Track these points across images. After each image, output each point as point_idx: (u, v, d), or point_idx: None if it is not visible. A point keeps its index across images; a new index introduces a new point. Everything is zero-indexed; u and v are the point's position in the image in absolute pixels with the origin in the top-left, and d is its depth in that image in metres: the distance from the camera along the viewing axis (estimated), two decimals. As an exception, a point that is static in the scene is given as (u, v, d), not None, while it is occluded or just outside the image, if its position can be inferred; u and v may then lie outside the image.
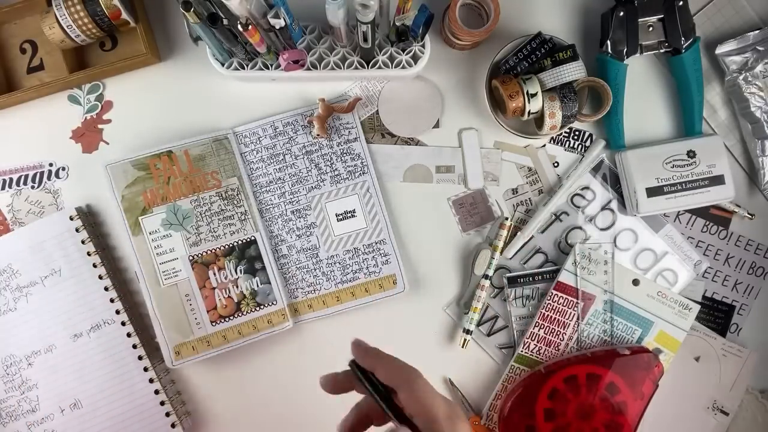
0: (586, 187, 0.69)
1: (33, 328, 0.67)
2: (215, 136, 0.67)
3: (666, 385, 0.65)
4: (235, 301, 0.67)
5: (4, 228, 0.69)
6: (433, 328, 0.69)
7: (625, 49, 0.65)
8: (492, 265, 0.67)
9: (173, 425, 0.67)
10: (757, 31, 0.67)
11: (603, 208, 0.69)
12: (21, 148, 0.70)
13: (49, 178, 0.70)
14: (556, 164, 0.69)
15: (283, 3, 0.55)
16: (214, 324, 0.67)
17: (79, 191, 0.70)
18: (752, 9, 0.68)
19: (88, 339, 0.67)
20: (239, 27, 0.53)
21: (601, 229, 0.69)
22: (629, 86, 0.66)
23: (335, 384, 0.44)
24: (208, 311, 0.67)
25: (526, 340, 0.67)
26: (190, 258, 0.67)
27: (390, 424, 0.40)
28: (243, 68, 0.65)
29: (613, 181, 0.69)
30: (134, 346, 0.67)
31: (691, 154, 0.65)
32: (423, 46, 0.65)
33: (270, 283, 0.67)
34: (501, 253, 0.68)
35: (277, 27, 0.56)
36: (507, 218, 0.68)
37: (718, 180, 0.65)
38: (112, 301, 0.67)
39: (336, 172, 0.68)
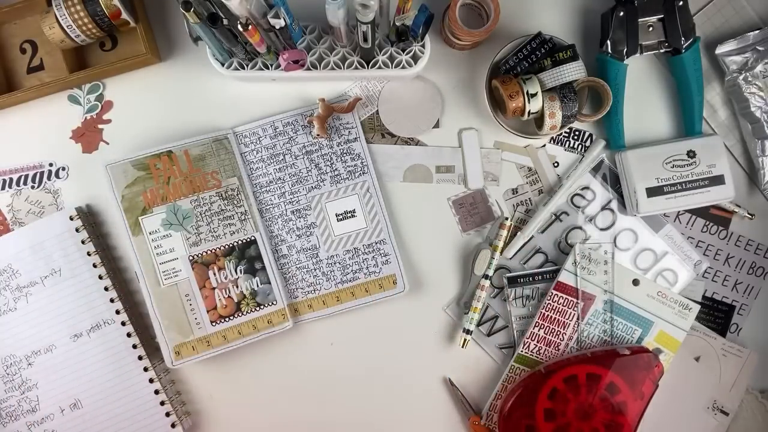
0: (586, 187, 0.69)
1: (33, 328, 0.67)
2: (215, 136, 0.67)
3: (666, 385, 0.65)
4: (235, 301, 0.67)
5: (4, 228, 0.69)
6: (433, 328, 0.69)
7: (625, 49, 0.65)
8: (492, 265, 0.67)
9: (173, 425, 0.67)
10: (757, 31, 0.67)
11: (603, 208, 0.69)
12: (21, 148, 0.70)
13: (49, 178, 0.70)
14: (556, 164, 0.69)
15: (283, 3, 0.55)
16: (214, 324, 0.67)
17: (79, 191, 0.70)
18: (752, 9, 0.68)
19: (88, 339, 0.67)
20: (239, 27, 0.53)
21: (601, 229, 0.69)
22: (629, 86, 0.66)
23: None
24: (208, 311, 0.67)
25: (526, 340, 0.67)
26: (190, 258, 0.67)
27: None
28: (243, 68, 0.65)
29: (613, 181, 0.69)
30: (134, 346, 0.67)
31: (691, 154, 0.65)
32: (423, 46, 0.65)
33: (270, 283, 0.67)
34: (501, 253, 0.68)
35: (277, 27, 0.56)
36: (507, 218, 0.68)
37: (718, 180, 0.65)
38: (112, 301, 0.67)
39: (336, 172, 0.68)
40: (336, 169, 0.68)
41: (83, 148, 0.70)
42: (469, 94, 0.69)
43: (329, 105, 0.66)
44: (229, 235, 0.67)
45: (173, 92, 0.70)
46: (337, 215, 0.68)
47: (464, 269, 0.69)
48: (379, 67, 0.65)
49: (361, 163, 0.68)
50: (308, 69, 0.65)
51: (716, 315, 0.69)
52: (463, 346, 0.67)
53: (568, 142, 0.69)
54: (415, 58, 0.65)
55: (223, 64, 0.65)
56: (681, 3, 0.64)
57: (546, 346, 0.67)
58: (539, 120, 0.65)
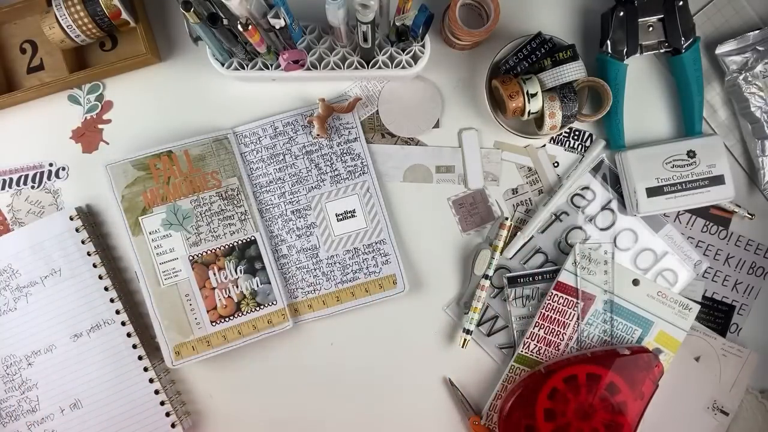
0: (586, 187, 0.69)
1: (33, 328, 0.67)
2: (215, 136, 0.67)
3: (666, 385, 0.65)
4: (235, 301, 0.67)
5: (4, 228, 0.69)
6: (433, 328, 0.69)
7: (625, 49, 0.65)
8: (492, 265, 0.67)
9: (173, 425, 0.67)
10: (757, 31, 0.67)
11: (603, 208, 0.69)
12: (21, 148, 0.70)
13: (49, 178, 0.70)
14: (556, 164, 0.69)
15: (283, 3, 0.55)
16: (214, 324, 0.67)
17: (79, 191, 0.70)
18: (752, 9, 0.68)
19: (88, 339, 0.67)
20: (239, 27, 0.53)
21: (601, 229, 0.69)
22: (629, 86, 0.66)
23: None
24: (208, 311, 0.67)
25: (526, 340, 0.67)
26: (190, 258, 0.67)
27: None
28: (243, 68, 0.65)
29: (613, 181, 0.69)
30: (134, 346, 0.67)
31: (691, 154, 0.65)
32: (423, 46, 0.65)
33: (270, 283, 0.67)
34: (501, 253, 0.68)
35: (277, 27, 0.56)
36: (507, 218, 0.68)
37: (718, 180, 0.65)
38: (112, 301, 0.67)
39: (336, 172, 0.68)
40: (336, 169, 0.68)
41: (83, 148, 0.70)
42: (469, 94, 0.69)
43: (329, 105, 0.66)
44: (229, 235, 0.67)
45: (173, 92, 0.70)
46: (337, 215, 0.68)
47: (464, 269, 0.69)
48: (379, 67, 0.65)
49: (361, 163, 0.68)
50: (308, 69, 0.65)
51: (716, 315, 0.69)
52: (463, 346, 0.67)
53: (568, 142, 0.69)
54: (415, 58, 0.65)
55: (223, 64, 0.65)
56: (681, 3, 0.64)
57: (546, 346, 0.67)
58: (539, 120, 0.65)
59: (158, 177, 0.67)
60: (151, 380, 0.67)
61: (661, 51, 0.66)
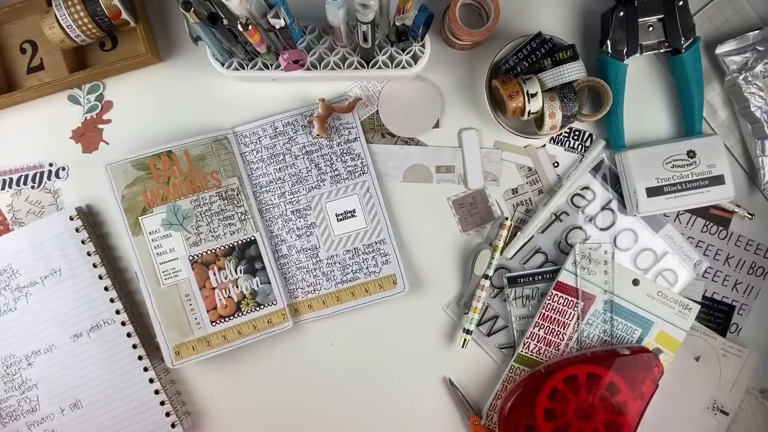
0: (586, 187, 0.69)
1: (33, 328, 0.67)
2: (215, 136, 0.67)
3: (666, 385, 0.65)
4: (235, 301, 0.67)
5: (4, 228, 0.69)
6: (433, 328, 0.69)
7: (625, 49, 0.65)
8: (492, 265, 0.67)
9: (173, 425, 0.67)
10: (757, 31, 0.67)
11: (603, 208, 0.69)
12: (21, 148, 0.70)
13: (49, 178, 0.70)
14: (556, 164, 0.69)
15: (283, 3, 0.55)
16: (214, 324, 0.67)
17: (79, 191, 0.70)
18: (752, 9, 0.68)
19: (88, 339, 0.67)
20: (239, 27, 0.53)
21: (601, 229, 0.69)
22: (629, 86, 0.66)
23: None
24: (208, 311, 0.67)
25: (526, 340, 0.67)
26: (190, 258, 0.67)
27: None
28: (243, 68, 0.65)
29: (613, 181, 0.69)
30: (134, 346, 0.67)
31: (691, 154, 0.65)
32: (423, 46, 0.65)
33: (270, 283, 0.67)
34: (501, 253, 0.68)
35: (277, 27, 0.56)
36: (507, 218, 0.68)
37: (718, 180, 0.65)
38: (112, 301, 0.67)
39: (336, 172, 0.68)
40: (336, 169, 0.68)
41: (83, 148, 0.70)
42: (469, 94, 0.69)
43: (329, 105, 0.66)
44: (229, 235, 0.67)
45: (173, 92, 0.70)
46: (337, 215, 0.68)
47: (464, 269, 0.69)
48: (379, 67, 0.65)
49: (361, 163, 0.68)
50: (308, 69, 0.65)
51: (716, 315, 0.69)
52: (463, 346, 0.67)
53: (568, 142, 0.69)
54: (415, 58, 0.65)
55: (223, 64, 0.65)
56: (681, 3, 0.64)
57: (546, 346, 0.67)
58: (539, 120, 0.65)
59: (158, 177, 0.67)
60: (151, 380, 0.67)
61: (661, 51, 0.66)
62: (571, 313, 0.67)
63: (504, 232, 0.67)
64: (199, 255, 0.67)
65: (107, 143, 0.70)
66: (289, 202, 0.68)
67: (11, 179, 0.70)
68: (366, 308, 0.68)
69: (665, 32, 0.66)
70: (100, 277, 0.67)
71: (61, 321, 0.67)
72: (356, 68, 0.65)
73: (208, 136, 0.67)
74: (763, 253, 0.69)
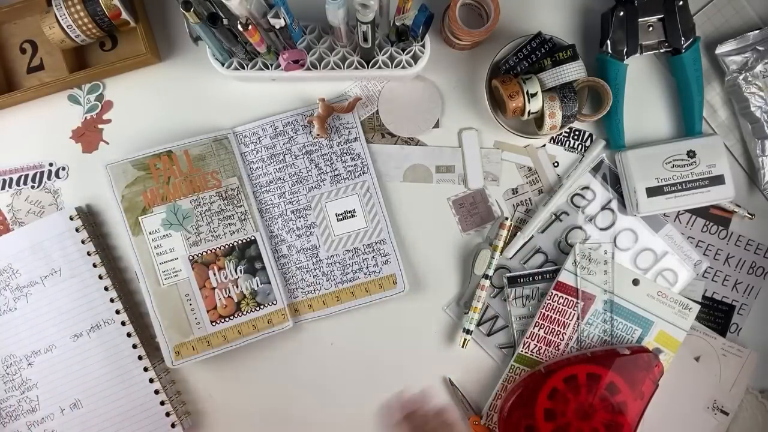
0: (586, 187, 0.69)
1: (33, 328, 0.67)
2: (215, 136, 0.67)
3: (666, 385, 0.65)
4: (235, 301, 0.67)
5: (4, 228, 0.69)
6: (433, 328, 0.69)
7: (625, 49, 0.65)
8: (492, 265, 0.67)
9: (173, 425, 0.67)
10: (757, 31, 0.67)
11: (603, 208, 0.69)
12: (21, 148, 0.70)
13: (49, 178, 0.70)
14: (556, 164, 0.69)
15: (283, 3, 0.55)
16: (214, 324, 0.67)
17: (79, 191, 0.70)
18: (752, 9, 0.68)
19: (88, 339, 0.67)
20: (239, 27, 0.53)
21: (601, 229, 0.69)
22: (629, 86, 0.66)
23: None
24: (208, 311, 0.67)
25: (526, 340, 0.67)
26: (190, 258, 0.67)
27: None
28: (243, 68, 0.65)
29: (613, 181, 0.69)
30: (134, 346, 0.67)
31: (691, 154, 0.65)
32: (423, 46, 0.65)
33: (270, 283, 0.67)
34: (501, 253, 0.68)
35: (277, 27, 0.56)
36: (507, 218, 0.68)
37: (718, 180, 0.65)
38: (112, 301, 0.67)
39: (336, 172, 0.68)
40: (336, 169, 0.68)
41: (83, 148, 0.70)
42: (469, 94, 0.69)
43: (329, 105, 0.66)
44: (229, 235, 0.67)
45: (173, 92, 0.70)
46: (337, 215, 0.68)
47: (464, 269, 0.69)
48: (379, 67, 0.65)
49: (361, 163, 0.68)
50: (308, 69, 0.65)
51: (716, 315, 0.69)
52: (463, 346, 0.67)
53: (568, 142, 0.69)
54: (415, 58, 0.65)
55: (223, 64, 0.65)
56: (681, 3, 0.64)
57: (546, 346, 0.67)
58: (539, 120, 0.65)
59: (158, 177, 0.67)
60: (151, 380, 0.67)
61: (661, 51, 0.66)
62: (571, 313, 0.67)
63: (504, 232, 0.67)
64: (199, 255, 0.67)
65: (107, 143, 0.70)
66: (289, 202, 0.68)
67: (11, 179, 0.70)
68: (366, 308, 0.68)
69: (665, 32, 0.66)
70: (100, 277, 0.67)
71: (61, 321, 0.67)
72: (356, 68, 0.65)
73: (208, 136, 0.67)
74: (763, 253, 0.69)
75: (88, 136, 0.70)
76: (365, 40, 0.60)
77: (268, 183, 0.68)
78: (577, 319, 0.67)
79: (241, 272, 0.67)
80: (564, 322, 0.67)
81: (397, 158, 0.69)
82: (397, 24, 0.60)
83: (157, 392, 0.67)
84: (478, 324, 0.69)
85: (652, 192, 0.65)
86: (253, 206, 0.68)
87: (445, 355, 0.69)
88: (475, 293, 0.68)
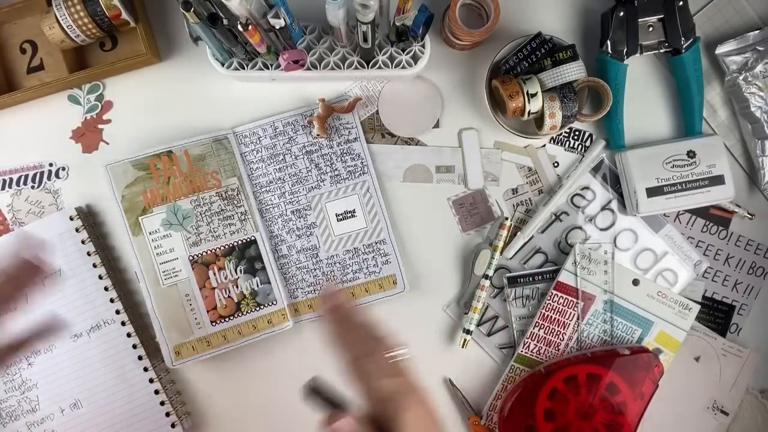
0: (586, 187, 0.69)
1: (33, 328, 0.67)
2: (215, 136, 0.67)
3: (666, 385, 0.65)
4: (235, 301, 0.67)
5: (4, 228, 0.69)
6: (433, 328, 0.69)
7: (625, 49, 0.65)
8: (492, 265, 0.67)
9: (173, 425, 0.67)
10: (757, 31, 0.67)
11: (603, 208, 0.69)
12: (21, 148, 0.70)
13: (49, 178, 0.70)
14: (556, 164, 0.69)
15: (283, 3, 0.55)
16: (214, 324, 0.67)
17: (79, 191, 0.70)
18: (752, 9, 0.68)
19: (88, 339, 0.67)
20: (239, 27, 0.53)
21: (601, 229, 0.69)
22: (629, 86, 0.66)
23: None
24: (208, 311, 0.67)
25: (526, 340, 0.67)
26: (190, 258, 0.67)
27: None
28: (243, 68, 0.65)
29: (613, 181, 0.69)
30: (134, 346, 0.67)
31: (691, 154, 0.65)
32: (423, 46, 0.65)
33: (270, 283, 0.67)
34: (501, 253, 0.68)
35: (277, 27, 0.56)
36: (507, 218, 0.68)
37: (718, 180, 0.65)
38: (112, 301, 0.67)
39: (336, 172, 0.68)
40: (336, 169, 0.68)
41: (83, 148, 0.70)
42: (469, 94, 0.69)
43: (329, 105, 0.66)
44: (229, 235, 0.67)
45: (173, 92, 0.70)
46: (337, 215, 0.68)
47: (464, 269, 0.69)
48: (379, 67, 0.65)
49: (361, 163, 0.68)
50: (308, 69, 0.65)
51: (716, 315, 0.69)
52: (463, 346, 0.67)
53: (568, 142, 0.69)
54: (415, 58, 0.65)
55: (223, 64, 0.65)
56: (681, 3, 0.64)
57: (546, 346, 0.67)
58: (539, 120, 0.65)
59: (158, 177, 0.67)
60: (151, 380, 0.67)
61: (661, 51, 0.66)
62: (571, 313, 0.67)
63: (504, 232, 0.67)
64: (199, 255, 0.67)
65: (107, 143, 0.70)
66: (289, 202, 0.68)
67: (11, 179, 0.70)
68: (366, 308, 0.68)
69: (665, 32, 0.66)
70: (100, 277, 0.67)
71: (61, 321, 0.67)
72: (356, 68, 0.65)
73: (208, 136, 0.67)
74: (763, 253, 0.69)
75: (88, 136, 0.70)
76: (365, 40, 0.60)
77: (268, 183, 0.68)
78: (577, 319, 0.67)
79: (241, 272, 0.67)
80: (564, 322, 0.67)
81: (397, 158, 0.69)
82: (397, 24, 0.60)
83: (157, 392, 0.67)
84: (478, 324, 0.69)
85: (652, 192, 0.65)
86: (253, 206, 0.68)
87: (445, 355, 0.69)
88: (475, 293, 0.68)
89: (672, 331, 0.66)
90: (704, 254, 0.69)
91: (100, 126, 0.70)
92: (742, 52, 0.67)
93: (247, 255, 0.67)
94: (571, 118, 0.63)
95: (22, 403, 0.67)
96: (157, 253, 0.66)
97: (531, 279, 0.68)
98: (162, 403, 0.67)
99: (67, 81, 0.67)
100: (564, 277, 0.67)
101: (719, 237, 0.69)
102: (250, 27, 0.53)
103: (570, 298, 0.66)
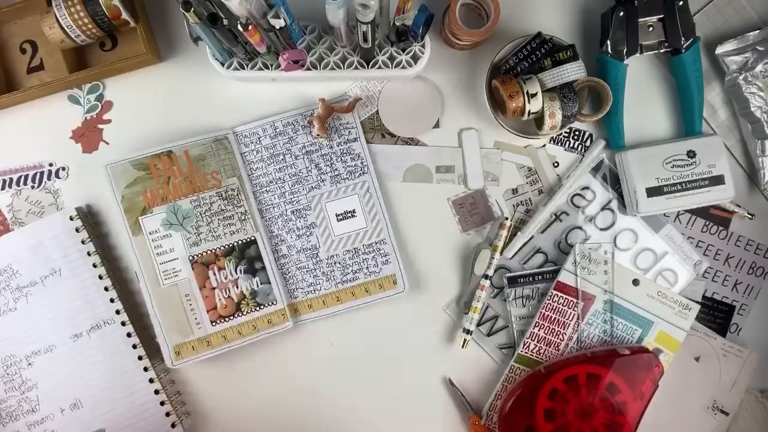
0: (586, 187, 0.69)
1: (33, 328, 0.67)
2: (215, 136, 0.67)
3: (666, 385, 0.65)
4: (235, 301, 0.67)
5: (4, 228, 0.69)
6: (433, 328, 0.69)
7: (625, 49, 0.65)
8: (492, 265, 0.67)
9: (173, 425, 0.67)
10: (757, 31, 0.67)
11: (603, 208, 0.69)
12: (21, 148, 0.70)
13: (49, 178, 0.70)
14: (556, 164, 0.69)
15: (283, 3, 0.55)
16: (214, 324, 0.67)
17: (79, 191, 0.70)
18: (752, 9, 0.68)
19: (88, 339, 0.67)
20: (239, 27, 0.53)
21: (601, 229, 0.69)
22: (629, 86, 0.66)
23: None
24: (208, 311, 0.67)
25: (526, 340, 0.67)
26: (190, 258, 0.67)
27: None
28: (243, 68, 0.65)
29: (613, 181, 0.69)
30: (134, 346, 0.67)
31: (691, 154, 0.65)
32: (423, 46, 0.65)
33: (270, 283, 0.67)
34: (501, 253, 0.68)
35: (277, 27, 0.56)
36: (507, 218, 0.68)
37: (718, 180, 0.65)
38: (112, 301, 0.67)
39: (336, 172, 0.68)
40: (336, 169, 0.68)
41: (83, 148, 0.70)
42: (469, 94, 0.69)
43: (329, 105, 0.66)
44: (229, 235, 0.67)
45: (173, 92, 0.70)
46: (337, 215, 0.68)
47: (464, 269, 0.69)
48: (379, 67, 0.65)
49: (361, 163, 0.68)
50: (308, 69, 0.65)
51: (716, 315, 0.69)
52: (463, 346, 0.67)
53: (568, 142, 0.69)
54: (415, 58, 0.65)
55: (223, 64, 0.65)
56: (681, 3, 0.64)
57: (546, 346, 0.67)
58: (539, 120, 0.65)
59: (158, 177, 0.67)
60: (151, 380, 0.67)
61: (661, 51, 0.66)
62: (571, 313, 0.67)
63: (504, 232, 0.67)
64: (199, 255, 0.67)
65: (107, 143, 0.70)
66: (289, 202, 0.68)
67: (11, 179, 0.70)
68: (366, 308, 0.68)
69: (665, 32, 0.66)
70: (100, 277, 0.67)
71: (61, 321, 0.67)
72: (356, 68, 0.65)
73: (208, 136, 0.67)
74: (763, 253, 0.69)
75: (88, 136, 0.70)
76: (365, 40, 0.60)
77: (268, 183, 0.68)
78: (577, 319, 0.67)
79: (241, 272, 0.67)
80: (564, 322, 0.67)
81: (397, 158, 0.69)
82: (397, 24, 0.60)
83: (157, 392, 0.67)
84: (478, 324, 0.69)
85: (652, 192, 0.65)
86: (253, 206, 0.68)
87: (445, 355, 0.69)
88: (475, 293, 0.68)
89: (672, 331, 0.66)
90: (704, 254, 0.69)
91: (100, 126, 0.70)
92: (742, 52, 0.67)
93: (247, 255, 0.67)
94: (571, 118, 0.63)
95: (22, 403, 0.67)
96: (157, 253, 0.66)
97: (531, 279, 0.68)
98: (162, 403, 0.67)
99: (67, 81, 0.67)
100: (564, 277, 0.67)
101: (719, 237, 0.69)
102: (250, 27, 0.53)
103: (570, 298, 0.66)
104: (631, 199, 0.66)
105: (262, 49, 0.60)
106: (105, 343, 0.67)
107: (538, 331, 0.67)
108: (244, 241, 0.67)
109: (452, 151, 0.69)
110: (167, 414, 0.67)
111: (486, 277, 0.67)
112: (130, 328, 0.67)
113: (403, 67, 0.65)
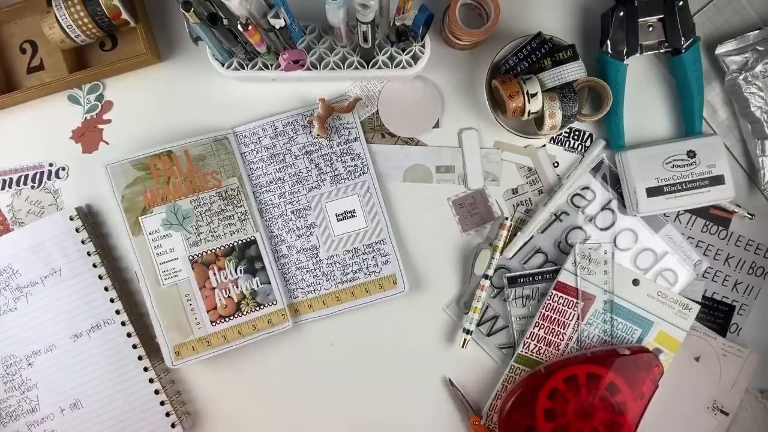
0: (586, 187, 0.69)
1: (33, 328, 0.67)
2: (215, 136, 0.67)
3: (666, 385, 0.65)
4: (235, 301, 0.67)
5: (4, 228, 0.69)
6: (433, 328, 0.69)
7: (625, 49, 0.65)
8: (492, 265, 0.67)
9: (173, 425, 0.67)
10: (757, 31, 0.67)
11: (603, 208, 0.69)
12: (21, 148, 0.70)
13: (49, 178, 0.70)
14: (556, 164, 0.69)
15: (283, 3, 0.55)
16: (214, 324, 0.67)
17: (79, 191, 0.70)
18: (752, 9, 0.68)
19: (88, 339, 0.67)
20: (239, 27, 0.53)
21: (601, 229, 0.69)
22: (629, 86, 0.66)
23: None
24: (208, 311, 0.67)
25: (526, 340, 0.67)
26: (190, 258, 0.67)
27: None
28: (243, 68, 0.65)
29: (613, 181, 0.69)
30: (134, 346, 0.67)
31: (691, 154, 0.65)
32: (423, 46, 0.65)
33: (270, 283, 0.67)
34: (501, 253, 0.68)
35: (277, 27, 0.56)
36: (507, 218, 0.68)
37: (718, 180, 0.65)
38: (112, 301, 0.67)
39: (336, 172, 0.68)
40: (336, 169, 0.68)
41: (83, 148, 0.70)
42: (469, 94, 0.69)
43: (329, 105, 0.66)
44: (229, 235, 0.67)
45: (173, 92, 0.70)
46: (337, 215, 0.68)
47: (464, 269, 0.69)
48: (379, 67, 0.65)
49: (361, 163, 0.68)
50: (308, 69, 0.65)
51: (716, 315, 0.69)
52: (463, 346, 0.67)
53: (568, 142, 0.69)
54: (415, 58, 0.65)
55: (223, 64, 0.65)
56: (681, 3, 0.64)
57: (546, 346, 0.67)
58: (539, 120, 0.65)
59: (158, 177, 0.67)
60: (151, 380, 0.67)
61: (661, 51, 0.66)
62: (571, 313, 0.67)
63: (504, 232, 0.67)
64: (199, 255, 0.67)
65: (107, 143, 0.70)
66: (289, 202, 0.68)
67: (11, 179, 0.70)
68: (366, 308, 0.68)
69: (665, 32, 0.66)
70: (100, 277, 0.67)
71: (61, 321, 0.67)
72: (356, 68, 0.65)
73: (208, 136, 0.67)
74: (763, 253, 0.69)
75: (88, 136, 0.70)
76: (365, 40, 0.60)
77: (268, 183, 0.68)
78: (577, 319, 0.67)
79: (241, 272, 0.67)
80: (564, 322, 0.67)
81: (397, 158, 0.69)
82: (397, 24, 0.60)
83: (157, 392, 0.67)
84: (478, 324, 0.69)
85: (652, 192, 0.65)
86: (253, 206, 0.68)
87: (445, 355, 0.69)
88: (475, 293, 0.68)
89: (672, 331, 0.66)
90: (704, 254, 0.69)
91: (100, 126, 0.70)
92: (742, 52, 0.67)
93: (247, 255, 0.67)
94: (571, 118, 0.63)
95: (22, 403, 0.67)
96: (157, 253, 0.66)
97: (531, 279, 0.68)
98: (162, 403, 0.67)
99: (67, 81, 0.67)
100: (564, 277, 0.67)
101: (719, 237, 0.69)
102: (250, 27, 0.53)
103: (570, 298, 0.66)
104: (631, 199, 0.66)
105: (262, 49, 0.60)
106: (105, 343, 0.67)
107: (538, 331, 0.67)
108: (244, 241, 0.67)
109: (452, 151, 0.69)
110: (167, 414, 0.67)
111: (486, 277, 0.67)
112: (130, 328, 0.67)
113: (403, 67, 0.65)
